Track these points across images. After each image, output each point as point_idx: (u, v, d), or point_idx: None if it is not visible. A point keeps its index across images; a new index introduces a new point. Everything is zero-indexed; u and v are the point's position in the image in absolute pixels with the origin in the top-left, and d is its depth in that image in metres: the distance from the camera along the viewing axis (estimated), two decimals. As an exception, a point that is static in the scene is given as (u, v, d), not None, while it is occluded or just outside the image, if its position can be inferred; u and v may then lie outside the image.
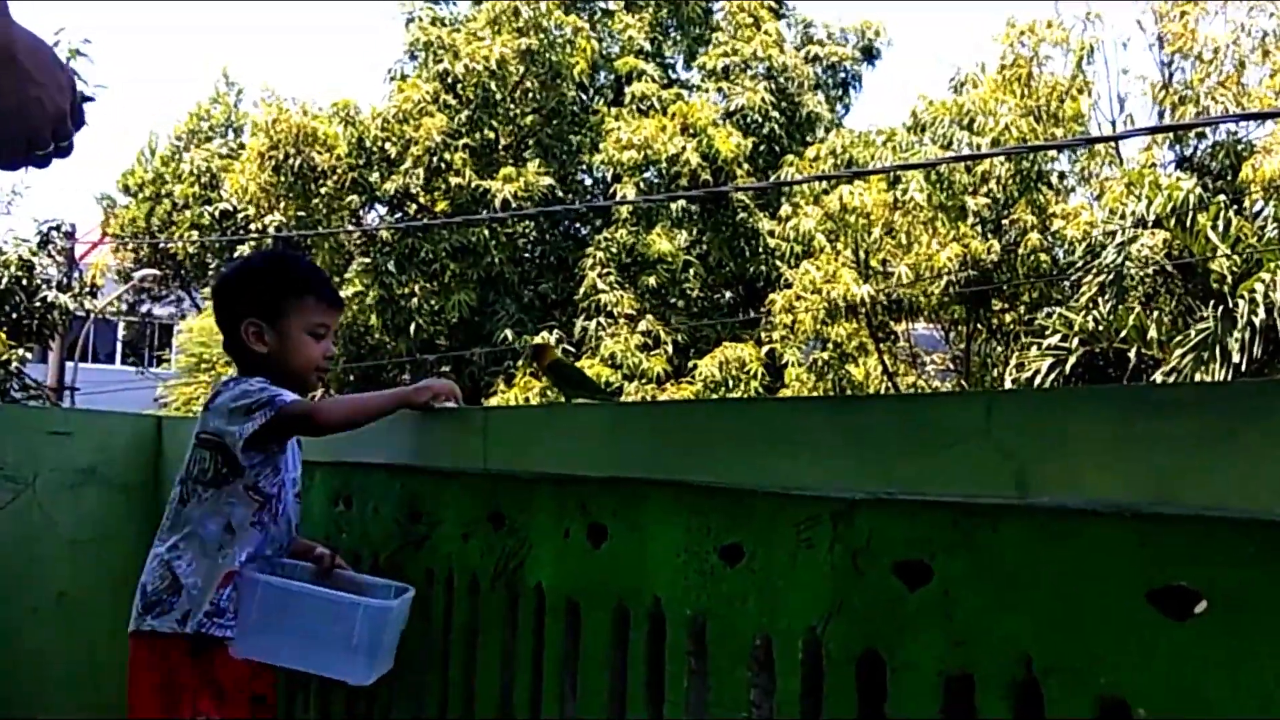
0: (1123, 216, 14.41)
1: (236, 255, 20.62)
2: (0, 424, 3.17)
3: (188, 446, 2.30)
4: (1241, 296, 13.05)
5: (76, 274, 17.60)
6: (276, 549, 2.31)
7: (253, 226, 20.57)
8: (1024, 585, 1.34)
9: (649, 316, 18.43)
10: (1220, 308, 13.21)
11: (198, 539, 2.21)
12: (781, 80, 20.78)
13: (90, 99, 1.24)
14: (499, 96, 19.50)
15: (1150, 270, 14.41)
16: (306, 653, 2.23)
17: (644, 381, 17.64)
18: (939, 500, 1.44)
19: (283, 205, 19.80)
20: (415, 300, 18.76)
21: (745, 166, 19.45)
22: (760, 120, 20.13)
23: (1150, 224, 14.09)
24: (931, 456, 1.48)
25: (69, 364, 19.20)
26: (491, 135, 19.86)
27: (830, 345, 17.52)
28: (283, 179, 19.15)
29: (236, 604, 2.19)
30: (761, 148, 20.16)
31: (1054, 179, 17.65)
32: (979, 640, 1.38)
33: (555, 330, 18.52)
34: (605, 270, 18.70)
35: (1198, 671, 1.19)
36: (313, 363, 2.33)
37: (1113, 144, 17.09)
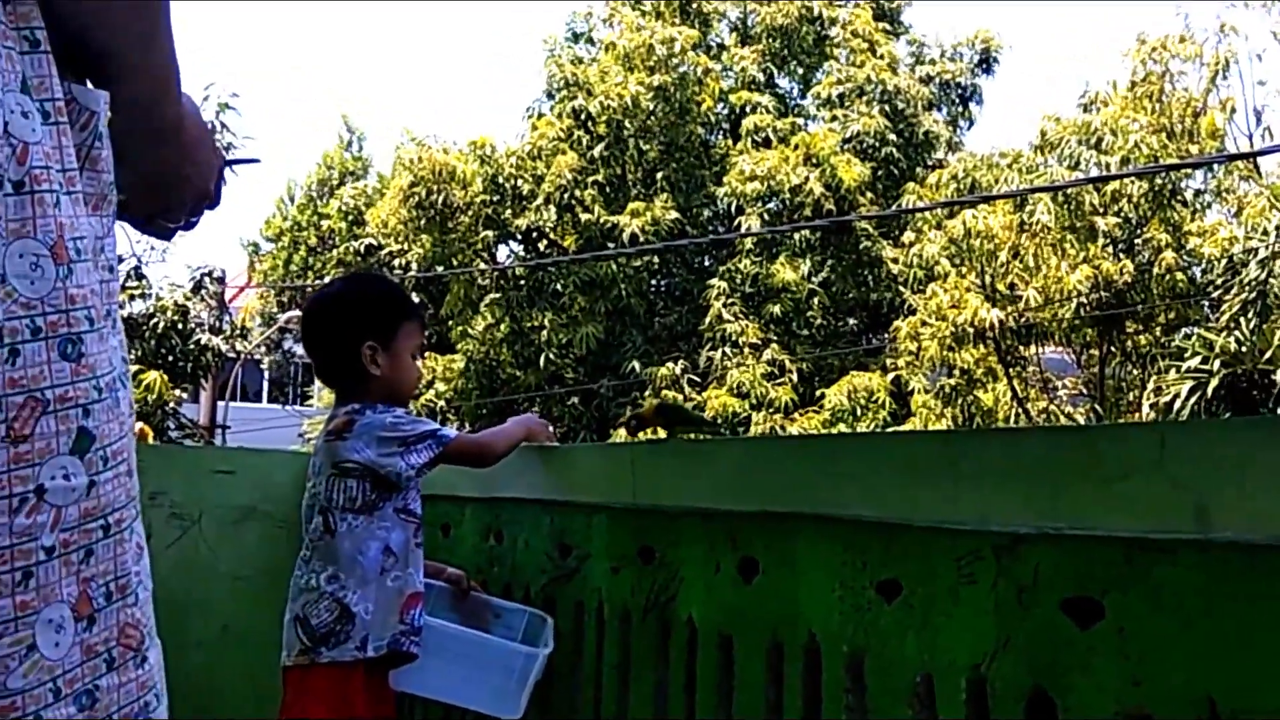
0: (1265, 232, 13.86)
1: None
2: (167, 464, 3.31)
3: (319, 476, 2.32)
4: (1398, 312, 12.44)
5: (227, 317, 18.31)
6: None
7: (396, 262, 21.23)
8: (1207, 623, 1.30)
9: (774, 345, 18.37)
10: (1375, 324, 12.60)
11: (359, 566, 2.25)
12: (897, 103, 20.61)
13: (256, 159, 1.30)
14: (629, 133, 19.79)
15: (1297, 287, 13.82)
16: (465, 689, 2.30)
17: (771, 411, 17.57)
18: (1111, 535, 1.41)
19: (421, 239, 20.39)
20: (545, 333, 19.05)
21: (867, 195, 19.31)
22: (877, 145, 19.98)
23: (1295, 239, 13.53)
24: (1099, 490, 1.45)
25: (220, 403, 19.97)
26: (620, 171, 20.14)
27: (957, 371, 17.20)
28: (422, 214, 19.73)
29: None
30: (880, 173, 20.00)
31: (1188, 196, 17.09)
32: (1158, 680, 1.35)
33: (681, 360, 18.58)
34: (729, 300, 18.73)
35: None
36: (414, 385, 2.43)
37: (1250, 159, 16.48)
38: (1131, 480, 1.39)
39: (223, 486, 3.15)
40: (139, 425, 11.33)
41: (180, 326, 15.27)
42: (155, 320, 15.15)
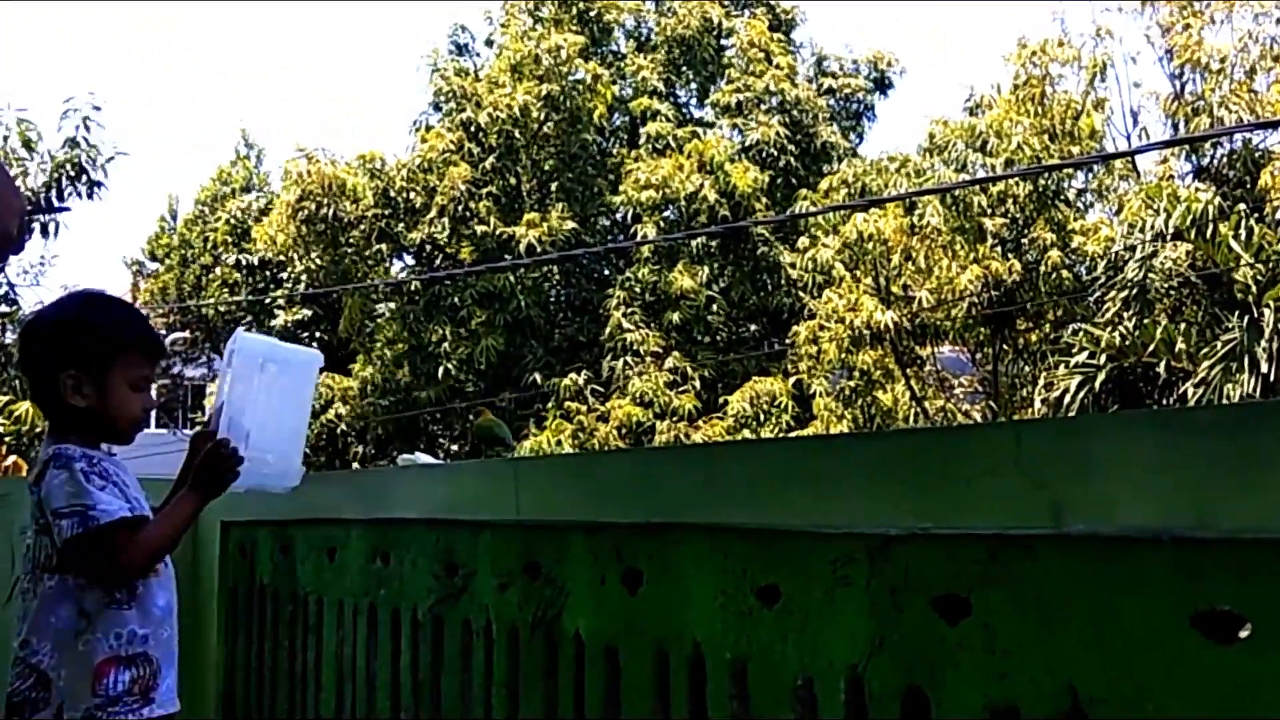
0: (1142, 230, 14.34)
1: (267, 305, 20.90)
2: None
3: (28, 530, 2.15)
4: (1267, 305, 12.95)
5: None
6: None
7: (282, 277, 20.84)
8: (1065, 615, 1.34)
9: (675, 353, 18.46)
10: (1246, 318, 13.11)
11: (51, 629, 2.08)
12: (795, 113, 20.90)
13: (66, 209, 1.25)
14: (521, 143, 19.74)
15: (1174, 282, 14.32)
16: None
17: (675, 419, 17.65)
18: (974, 533, 1.44)
19: (312, 255, 20.08)
20: (444, 347, 18.89)
21: (763, 201, 19.53)
22: (775, 154, 20.23)
23: (1171, 236, 14.01)
24: (963, 489, 1.48)
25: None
26: (514, 181, 20.08)
27: (856, 373, 17.48)
28: (312, 229, 19.44)
29: (139, 684, 2.09)
30: (778, 181, 20.25)
31: (1071, 196, 17.61)
32: (1022, 672, 1.38)
33: (583, 371, 18.57)
34: (630, 309, 18.78)
35: (1246, 695, 1.18)
36: (134, 417, 2.20)
37: (1129, 158, 17.05)
38: (991, 479, 1.42)
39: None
40: (12, 459, 10.92)
41: None
42: None
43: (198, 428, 2.32)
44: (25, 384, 2.18)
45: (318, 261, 20.08)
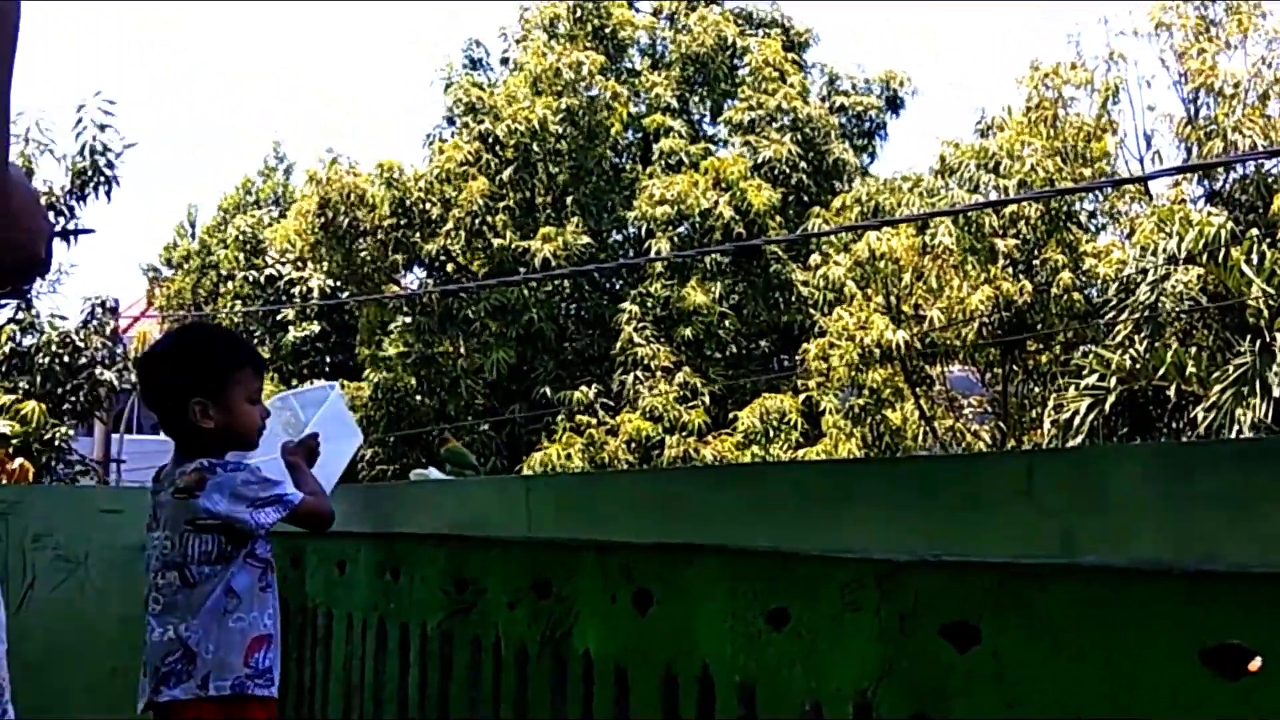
0: (1154, 253, 14.31)
1: (279, 320, 20.97)
2: (52, 504, 3.21)
3: (169, 532, 2.33)
4: (1279, 331, 12.92)
5: (120, 348, 17.71)
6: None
7: (295, 291, 20.89)
8: (1074, 645, 1.34)
9: (686, 368, 18.46)
10: (1258, 342, 13.07)
11: (204, 610, 2.28)
12: (807, 131, 20.92)
13: (91, 230, 1.25)
14: (538, 157, 19.79)
15: (1186, 306, 14.30)
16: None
17: (684, 434, 17.63)
18: (985, 561, 1.44)
19: (325, 263, 20.13)
20: (459, 361, 18.92)
21: (777, 219, 19.54)
22: (788, 171, 20.25)
23: (1183, 260, 14.00)
24: (974, 516, 1.48)
25: (115, 435, 19.39)
26: (529, 195, 20.14)
27: (866, 391, 17.45)
28: (327, 236, 19.50)
29: (274, 666, 2.33)
30: (790, 198, 20.26)
31: (1083, 218, 17.59)
32: (1031, 702, 1.38)
33: (594, 385, 18.57)
34: (641, 324, 18.79)
35: (1253, 730, 1.18)
36: (256, 429, 2.43)
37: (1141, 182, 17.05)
38: (1002, 507, 1.43)
39: (111, 526, 3.07)
40: (19, 461, 10.93)
41: (67, 360, 14.75)
42: (42, 355, 14.62)
43: None
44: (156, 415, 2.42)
45: (330, 281, 20.14)
